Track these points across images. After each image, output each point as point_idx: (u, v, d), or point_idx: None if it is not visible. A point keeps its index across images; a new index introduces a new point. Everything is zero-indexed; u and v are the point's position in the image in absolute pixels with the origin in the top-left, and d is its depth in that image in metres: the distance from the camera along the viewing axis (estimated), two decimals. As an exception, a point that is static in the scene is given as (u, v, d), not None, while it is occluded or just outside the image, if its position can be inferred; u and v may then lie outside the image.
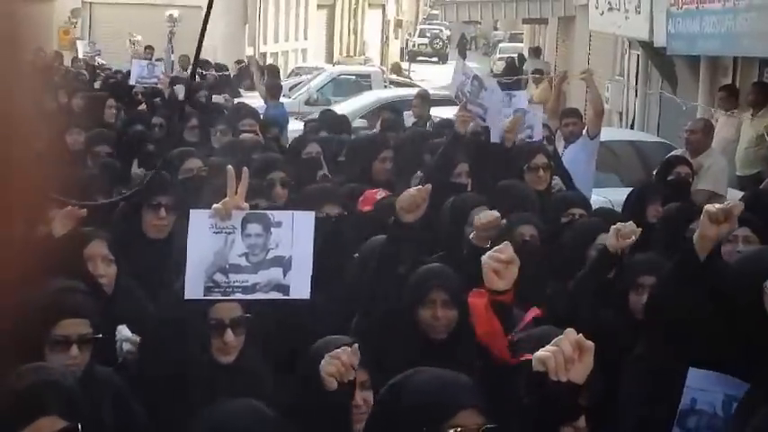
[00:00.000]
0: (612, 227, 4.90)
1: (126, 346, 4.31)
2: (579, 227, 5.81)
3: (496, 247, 3.78)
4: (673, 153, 9.77)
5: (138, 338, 4.31)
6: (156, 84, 12.95)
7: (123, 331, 4.34)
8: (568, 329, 2.84)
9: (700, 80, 17.00)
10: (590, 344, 2.80)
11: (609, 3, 19.17)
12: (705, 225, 4.07)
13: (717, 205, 4.12)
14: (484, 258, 3.79)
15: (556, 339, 2.81)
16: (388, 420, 3.09)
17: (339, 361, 3.50)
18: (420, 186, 4.79)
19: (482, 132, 7.94)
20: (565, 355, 2.76)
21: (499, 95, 8.47)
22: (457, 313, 4.45)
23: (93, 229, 4.87)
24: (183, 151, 7.29)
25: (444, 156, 7.28)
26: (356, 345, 3.58)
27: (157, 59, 16.93)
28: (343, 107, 16.89)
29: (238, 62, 24.85)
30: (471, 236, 5.14)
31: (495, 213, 5.15)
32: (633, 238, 4.84)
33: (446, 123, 8.34)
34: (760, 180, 10.55)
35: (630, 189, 7.73)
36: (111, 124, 10.35)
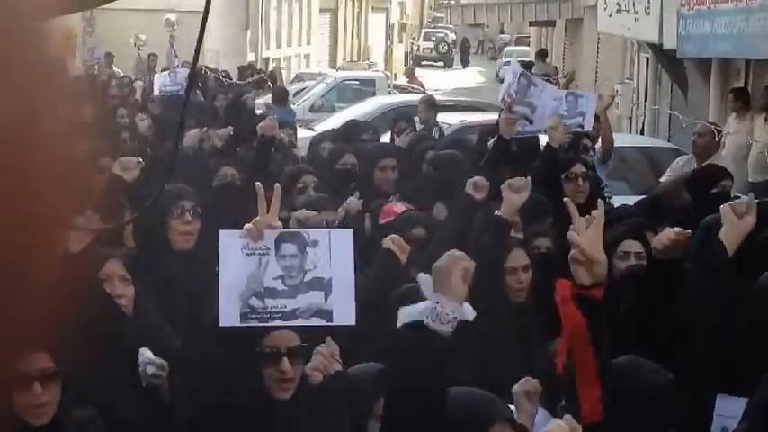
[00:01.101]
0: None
1: (150, 370, 4.03)
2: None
3: (586, 241, 3.50)
4: (685, 164, 9.53)
5: (162, 361, 4.04)
6: (178, 91, 12.66)
7: (146, 354, 4.06)
8: (566, 416, 2.74)
9: (711, 83, 16.74)
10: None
11: (617, 4, 18.96)
12: (729, 219, 4.21)
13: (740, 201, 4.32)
14: (572, 252, 3.54)
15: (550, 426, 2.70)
16: None
17: (319, 354, 3.48)
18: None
19: (521, 139, 7.78)
20: None
21: (550, 92, 8.24)
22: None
23: (109, 248, 4.70)
24: (217, 160, 7.50)
25: (490, 166, 7.06)
26: (329, 337, 3.58)
27: (163, 69, 16.72)
28: (347, 113, 16.64)
29: (240, 68, 24.55)
30: (497, 211, 5.08)
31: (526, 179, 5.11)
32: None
33: (491, 130, 8.09)
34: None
35: (640, 197, 7.70)
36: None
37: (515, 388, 3.93)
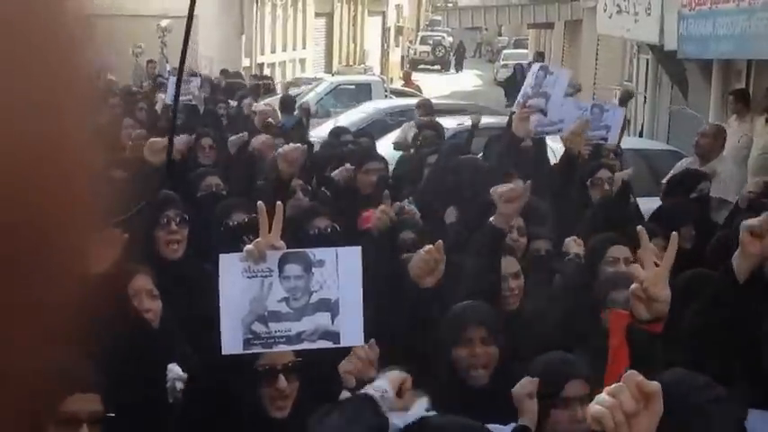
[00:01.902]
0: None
1: (179, 386, 3.99)
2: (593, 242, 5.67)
3: (651, 277, 3.34)
4: (689, 166, 9.42)
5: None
6: (191, 100, 12.52)
7: (174, 369, 4.02)
8: (630, 372, 2.34)
9: (712, 84, 16.56)
10: (655, 386, 2.29)
11: (617, 5, 18.84)
12: (747, 241, 3.76)
13: (756, 219, 3.84)
14: (633, 287, 3.39)
15: (613, 387, 2.31)
16: None
17: (356, 358, 3.37)
18: (430, 246, 4.38)
19: (536, 144, 7.74)
20: (625, 410, 2.25)
21: (565, 79, 8.09)
22: (498, 351, 4.18)
23: (137, 263, 4.61)
24: (202, 170, 7.59)
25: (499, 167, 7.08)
26: (373, 340, 3.45)
27: (158, 75, 16.55)
28: (342, 118, 16.46)
29: (224, 72, 24.28)
30: (492, 218, 4.90)
31: (519, 184, 4.94)
32: None
33: (498, 137, 8.04)
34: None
35: (642, 201, 7.73)
36: None
37: (516, 389, 3.80)
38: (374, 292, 4.41)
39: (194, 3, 2.23)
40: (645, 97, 20.76)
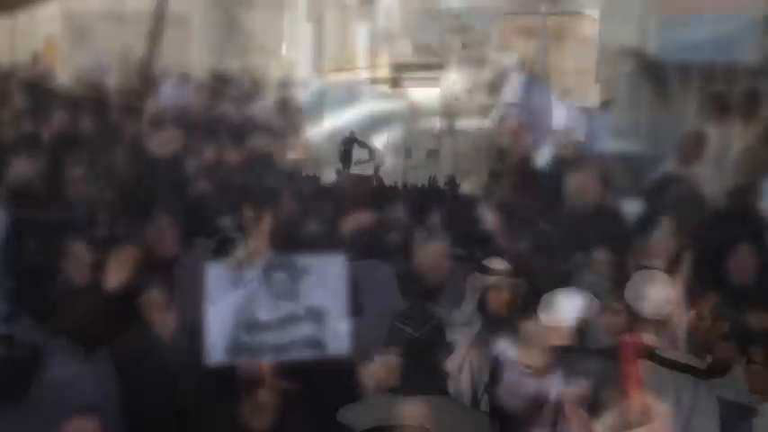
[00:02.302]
0: None
1: None
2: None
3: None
4: (669, 169, 9.60)
5: None
6: (187, 104, 12.72)
7: None
8: (637, 393, 2.61)
9: (692, 88, 16.68)
10: (663, 406, 2.59)
11: (600, 11, 18.93)
12: None
13: None
14: (646, 310, 3.66)
15: (620, 408, 2.56)
16: None
17: (376, 368, 3.48)
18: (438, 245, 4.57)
19: (530, 159, 7.78)
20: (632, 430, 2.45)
21: (547, 86, 8.20)
22: None
23: (151, 276, 4.64)
24: (194, 172, 7.53)
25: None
26: (386, 353, 3.53)
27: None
28: (332, 121, 16.51)
29: (215, 73, 24.27)
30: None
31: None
32: None
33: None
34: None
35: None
36: None
37: (565, 395, 3.78)
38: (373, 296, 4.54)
39: (164, 4, 2.39)
40: (625, 101, 20.86)
